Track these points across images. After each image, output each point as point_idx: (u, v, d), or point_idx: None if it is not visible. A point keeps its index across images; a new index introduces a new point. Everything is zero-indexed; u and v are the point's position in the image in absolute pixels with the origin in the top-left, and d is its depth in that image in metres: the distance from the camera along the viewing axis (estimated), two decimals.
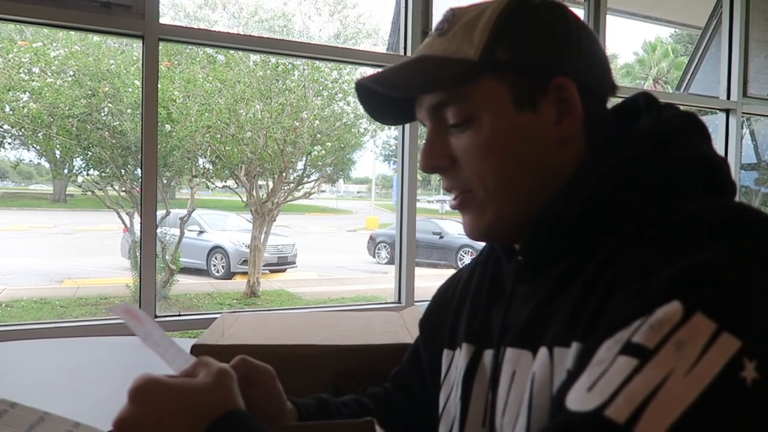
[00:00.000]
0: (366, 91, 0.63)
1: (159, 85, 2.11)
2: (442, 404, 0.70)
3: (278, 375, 0.68)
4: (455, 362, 0.69)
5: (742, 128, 3.63)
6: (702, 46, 3.73)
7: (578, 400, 0.42)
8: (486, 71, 0.57)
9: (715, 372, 0.39)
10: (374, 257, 10.46)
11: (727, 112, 3.54)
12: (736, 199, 0.56)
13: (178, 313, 2.31)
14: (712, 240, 0.45)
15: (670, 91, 5.09)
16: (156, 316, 2.16)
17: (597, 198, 0.54)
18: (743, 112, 3.54)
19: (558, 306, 0.54)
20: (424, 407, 0.76)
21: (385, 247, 10.15)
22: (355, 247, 11.10)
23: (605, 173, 0.55)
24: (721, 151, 3.61)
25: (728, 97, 3.51)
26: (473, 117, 0.58)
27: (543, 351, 0.53)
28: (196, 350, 1.00)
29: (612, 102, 0.67)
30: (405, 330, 1.15)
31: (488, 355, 0.63)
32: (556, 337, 0.52)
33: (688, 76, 3.80)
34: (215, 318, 1.26)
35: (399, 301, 2.61)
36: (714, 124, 3.70)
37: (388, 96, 0.61)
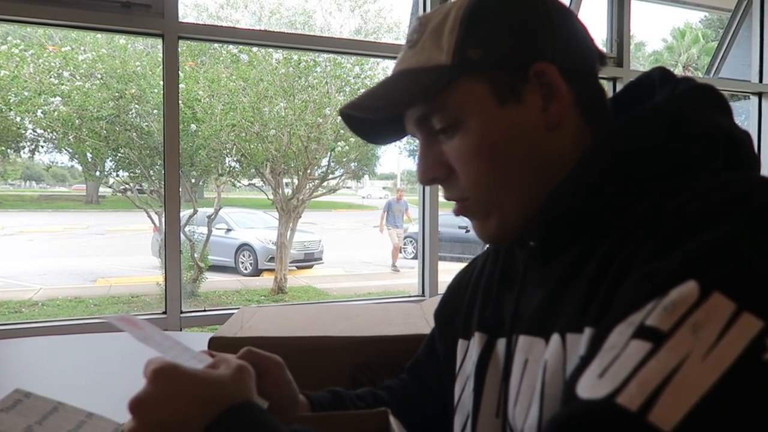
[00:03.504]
0: (350, 117, 0.62)
1: (183, 85, 2.15)
2: (458, 396, 0.68)
3: (296, 367, 0.68)
4: (470, 352, 0.68)
5: None
6: (732, 29, 3.61)
7: (589, 387, 0.40)
8: (460, 73, 0.55)
9: (735, 355, 0.36)
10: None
11: (760, 95, 3.43)
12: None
13: (203, 309, 2.34)
14: (729, 215, 0.42)
15: (700, 76, 4.96)
16: (182, 312, 2.19)
17: (606, 181, 0.52)
18: None
19: (571, 291, 0.52)
20: (440, 398, 0.75)
21: (411, 242, 10.12)
22: (381, 242, 11.10)
23: (614, 154, 0.53)
24: (754, 137, 3.50)
25: (761, 80, 3.41)
26: (458, 121, 0.57)
27: (555, 338, 0.51)
28: (214, 343, 1.01)
29: (629, 79, 0.65)
30: (424, 321, 1.14)
31: (501, 344, 0.61)
32: (568, 322, 0.50)
33: (718, 60, 3.68)
34: None
35: (422, 295, 2.60)
36: (747, 109, 3.59)
37: (369, 119, 0.60)
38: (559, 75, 0.55)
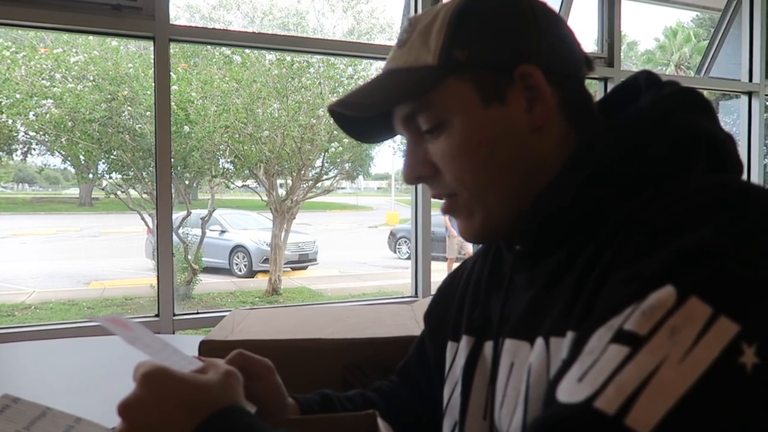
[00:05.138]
0: (339, 115, 0.62)
1: (176, 87, 2.14)
2: (447, 398, 0.69)
3: (287, 369, 0.69)
4: (458, 355, 0.68)
5: (767, 111, 3.53)
6: (722, 28, 3.63)
7: (568, 391, 0.40)
8: (446, 73, 0.56)
9: (712, 358, 0.37)
10: (395, 252, 10.46)
11: (750, 94, 3.45)
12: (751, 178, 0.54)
13: (196, 311, 2.33)
14: (708, 219, 0.43)
15: (691, 75, 4.99)
16: (174, 315, 2.18)
17: (591, 185, 0.53)
18: (767, 95, 3.44)
19: (555, 295, 0.53)
20: (430, 400, 0.75)
21: (405, 242, 10.13)
22: (375, 243, 11.11)
23: (598, 158, 0.53)
24: (744, 136, 3.50)
25: (750, 80, 3.43)
26: (443, 121, 0.57)
27: (539, 341, 0.52)
28: (205, 346, 1.01)
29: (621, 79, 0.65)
30: (414, 322, 1.14)
31: (488, 347, 0.62)
32: (552, 326, 0.51)
33: (708, 60, 3.70)
34: None
35: (415, 295, 2.60)
36: (737, 108, 3.61)
37: (356, 117, 0.61)
38: (544, 77, 0.55)
